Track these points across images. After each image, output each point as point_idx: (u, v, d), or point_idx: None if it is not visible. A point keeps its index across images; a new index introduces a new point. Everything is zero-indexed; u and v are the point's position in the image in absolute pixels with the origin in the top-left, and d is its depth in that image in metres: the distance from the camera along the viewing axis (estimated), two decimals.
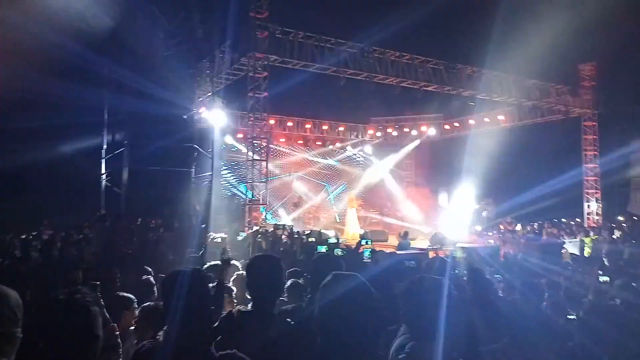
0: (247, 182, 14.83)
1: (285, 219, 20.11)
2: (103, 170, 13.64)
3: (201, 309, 2.29)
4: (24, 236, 9.44)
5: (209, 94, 16.36)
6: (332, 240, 10.46)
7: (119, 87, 13.21)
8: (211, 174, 14.10)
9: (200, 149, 15.04)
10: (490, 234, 19.40)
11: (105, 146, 13.72)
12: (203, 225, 11.03)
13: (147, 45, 13.35)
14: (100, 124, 13.47)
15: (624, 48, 18.15)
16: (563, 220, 19.13)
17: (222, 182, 20.77)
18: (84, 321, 1.70)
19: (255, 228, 13.17)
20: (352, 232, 17.05)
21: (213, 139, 15.60)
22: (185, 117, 15.19)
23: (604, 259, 12.69)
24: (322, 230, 15.11)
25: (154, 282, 4.29)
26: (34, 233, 10.11)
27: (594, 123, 19.71)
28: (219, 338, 2.24)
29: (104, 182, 13.48)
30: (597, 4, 17.32)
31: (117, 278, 4.45)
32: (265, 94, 14.24)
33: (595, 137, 19.78)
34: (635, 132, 21.49)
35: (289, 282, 4.13)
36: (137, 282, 4.34)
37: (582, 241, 14.78)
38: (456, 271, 7.55)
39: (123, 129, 14.01)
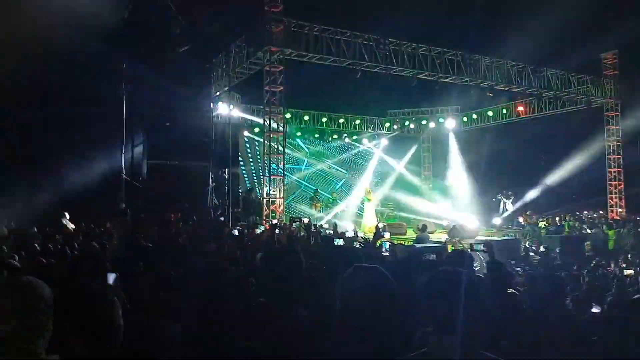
0: (263, 176, 14.86)
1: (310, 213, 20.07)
2: (123, 164, 13.80)
3: None
4: (46, 229, 9.61)
5: (226, 88, 16.43)
6: (350, 234, 10.42)
7: (137, 82, 13.35)
8: (229, 168, 14.19)
9: (218, 143, 15.17)
10: (510, 226, 19.18)
11: (124, 140, 13.87)
12: (222, 219, 11.12)
13: (164, 40, 13.44)
14: (120, 118, 13.60)
15: None
16: (585, 212, 18.80)
17: (240, 176, 20.91)
18: (104, 311, 1.72)
19: (274, 222, 13.22)
20: (369, 225, 16.99)
21: (230, 133, 15.70)
22: (204, 110, 15.32)
23: (628, 252, 12.47)
24: (339, 223, 15.09)
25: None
26: (54, 227, 10.29)
27: (616, 113, 19.26)
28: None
29: (124, 176, 13.65)
30: None
31: (140, 271, 4.50)
32: (281, 87, 14.24)
33: (618, 127, 19.33)
34: None
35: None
36: (156, 275, 4.38)
37: (605, 234, 14.50)
38: (476, 265, 7.48)
39: (141, 124, 14.17)
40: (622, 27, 17.96)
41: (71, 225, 10.90)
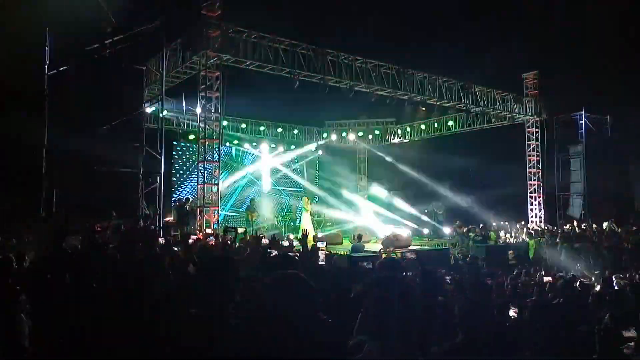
0: (198, 184, 14.48)
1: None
2: (43, 170, 12.91)
3: None
4: None
5: (159, 93, 15.87)
6: (286, 244, 10.36)
7: (61, 81, 12.56)
8: (161, 176, 13.67)
9: (149, 150, 14.57)
10: (440, 236, 19.92)
11: (46, 143, 12.99)
12: (152, 227, 10.67)
13: (92, 41, 12.79)
14: (41, 120, 12.71)
15: (564, 58, 19.20)
16: (507, 223, 19.89)
17: (172, 184, 20.25)
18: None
19: (208, 231, 12.89)
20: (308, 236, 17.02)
21: (162, 139, 15.15)
22: (134, 115, 14.65)
23: (546, 260, 13.29)
24: (275, 233, 14.97)
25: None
26: None
27: (536, 129, 20.63)
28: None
29: (45, 182, 12.77)
30: (540, 17, 18.25)
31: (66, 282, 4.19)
32: (217, 93, 14.01)
33: (537, 143, 20.71)
34: (574, 138, 22.75)
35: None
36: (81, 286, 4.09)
37: (526, 243, 15.40)
38: (409, 273, 7.65)
39: (66, 127, 13.30)
40: (542, 50, 19.41)
41: None
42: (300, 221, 19.21)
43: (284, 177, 23.89)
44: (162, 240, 9.39)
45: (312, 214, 19.36)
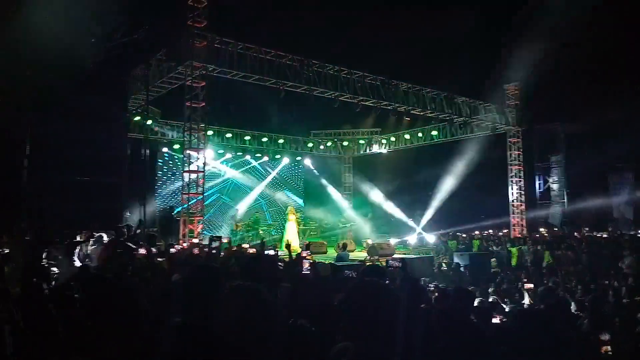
0: (183, 193, 14.41)
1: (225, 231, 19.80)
2: (23, 179, 12.73)
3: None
4: None
5: (144, 102, 15.83)
6: (271, 252, 10.35)
7: (41, 93, 12.42)
8: (145, 186, 13.59)
9: (134, 160, 14.52)
10: (424, 245, 20.07)
11: (28, 153, 12.81)
12: (135, 239, 10.55)
13: (75, 49, 12.70)
14: (23, 133, 12.57)
15: (545, 70, 19.61)
16: (490, 231, 20.14)
17: (156, 194, 20.11)
18: None
19: (195, 241, 12.82)
20: (292, 245, 17.02)
21: (147, 149, 15.09)
22: (119, 124, 14.58)
23: (528, 267, 13.47)
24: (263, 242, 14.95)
25: None
26: None
27: (518, 139, 20.99)
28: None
29: (25, 194, 12.60)
30: (523, 30, 18.66)
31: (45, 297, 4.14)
32: (203, 104, 14.01)
33: (519, 152, 21.05)
34: (554, 147, 23.23)
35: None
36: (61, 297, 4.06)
37: (509, 251, 15.59)
38: (391, 281, 7.71)
39: (48, 138, 13.16)
40: (523, 62, 19.81)
41: None
42: (285, 231, 19.21)
43: (268, 186, 23.90)
44: (142, 251, 9.30)
45: (297, 223, 19.39)
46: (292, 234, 18.17)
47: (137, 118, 16.49)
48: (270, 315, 1.84)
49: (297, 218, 19.54)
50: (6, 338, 1.59)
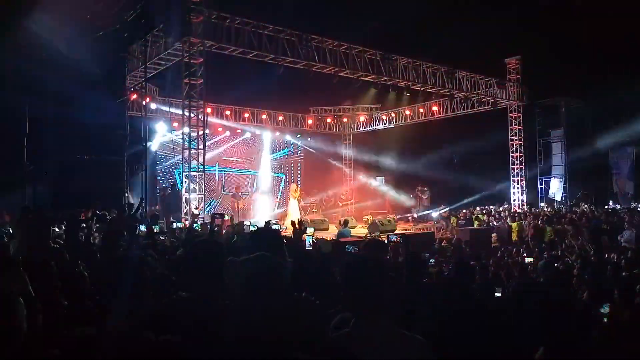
0: (184, 172, 14.41)
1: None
2: (25, 159, 12.73)
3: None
4: None
5: (142, 79, 15.69)
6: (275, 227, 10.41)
7: (43, 67, 12.30)
8: (145, 164, 13.57)
9: (133, 137, 14.47)
10: (425, 220, 20.16)
11: (27, 132, 12.76)
12: (138, 216, 10.61)
13: (73, 26, 12.55)
14: (21, 106, 12.46)
15: (546, 44, 19.39)
16: (491, 207, 20.20)
17: (157, 172, 20.12)
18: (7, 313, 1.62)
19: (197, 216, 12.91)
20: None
21: (147, 126, 15.03)
22: (117, 102, 14.48)
23: (528, 242, 13.56)
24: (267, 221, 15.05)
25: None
26: None
27: (519, 114, 20.87)
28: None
29: (29, 170, 12.61)
30: (522, 4, 18.37)
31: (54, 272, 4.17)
32: (201, 80, 13.89)
33: (520, 127, 20.96)
34: (555, 122, 23.12)
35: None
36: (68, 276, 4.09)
37: (509, 226, 15.67)
38: (393, 255, 7.78)
39: (47, 114, 13.09)
40: (524, 36, 19.56)
41: None
42: (289, 208, 19.33)
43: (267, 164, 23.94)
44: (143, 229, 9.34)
45: (299, 201, 19.48)
46: (294, 211, 18.28)
47: (134, 96, 16.38)
48: (280, 280, 1.87)
49: (300, 195, 19.62)
50: (20, 311, 1.64)
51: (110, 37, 13.93)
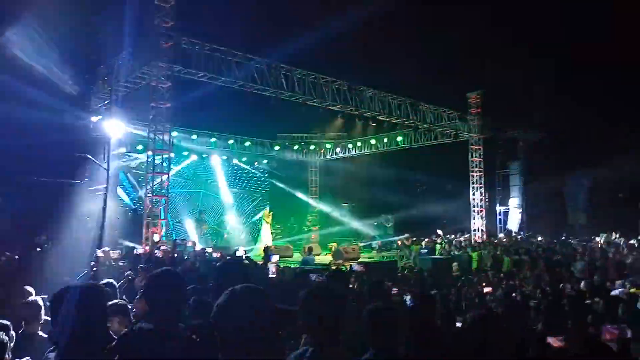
0: (147, 195, 14.11)
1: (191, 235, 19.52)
2: None
3: (96, 328, 2.19)
4: None
5: (107, 102, 15.44)
6: (240, 253, 10.32)
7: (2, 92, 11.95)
8: (106, 187, 13.23)
9: (94, 160, 14.10)
10: (389, 249, 20.36)
11: None
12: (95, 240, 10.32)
13: (32, 48, 12.31)
14: None
15: (506, 79, 20.30)
16: (452, 236, 20.59)
17: (117, 196, 19.61)
18: None
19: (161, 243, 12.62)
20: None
21: (109, 149, 14.71)
22: (82, 122, 14.16)
23: (487, 271, 13.84)
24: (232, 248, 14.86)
25: (40, 303, 3.91)
26: None
27: (479, 147, 21.59)
28: (117, 357, 2.14)
29: None
30: (484, 40, 19.24)
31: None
32: (168, 104, 13.80)
33: (480, 159, 21.66)
34: (513, 155, 24.02)
35: (191, 299, 4.00)
36: (19, 301, 3.92)
37: (469, 256, 15.98)
38: (354, 286, 7.82)
39: (7, 138, 12.65)
40: (485, 72, 20.45)
41: None
42: (259, 234, 19.24)
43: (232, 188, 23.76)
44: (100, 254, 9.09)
45: (271, 226, 19.44)
46: (266, 236, 18.25)
47: (98, 117, 16.04)
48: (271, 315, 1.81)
49: (269, 220, 19.54)
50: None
51: (73, 59, 13.72)
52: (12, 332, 3.17)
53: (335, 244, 19.04)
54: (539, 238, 19.65)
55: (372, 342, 2.66)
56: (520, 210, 23.47)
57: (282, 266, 9.69)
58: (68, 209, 13.23)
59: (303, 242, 20.14)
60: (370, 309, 2.74)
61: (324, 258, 16.60)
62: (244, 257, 10.06)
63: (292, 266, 12.00)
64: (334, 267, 11.46)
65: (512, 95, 21.22)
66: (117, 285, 4.97)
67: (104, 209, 12.85)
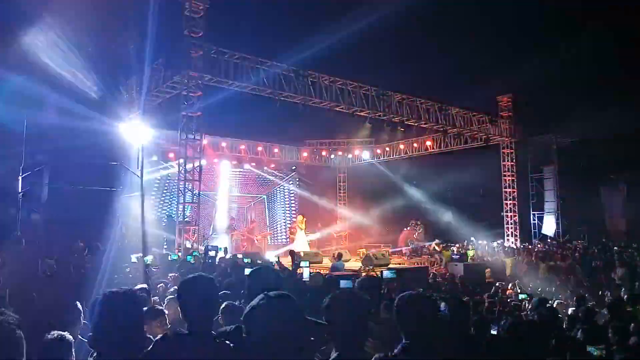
0: (178, 203, 14.39)
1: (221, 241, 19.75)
2: (20, 189, 12.68)
3: (133, 333, 2.23)
4: None
5: (139, 111, 15.84)
6: (273, 260, 10.39)
7: (38, 104, 12.41)
8: (140, 194, 13.53)
9: (128, 168, 14.46)
10: (419, 255, 20.11)
11: (22, 164, 12.77)
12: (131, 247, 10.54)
13: (70, 60, 12.74)
14: (19, 140, 12.53)
15: (537, 82, 19.87)
16: (485, 242, 20.20)
17: (151, 203, 20.04)
18: (9, 343, 1.62)
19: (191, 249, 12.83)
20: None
21: (142, 157, 15.06)
22: (122, 134, 14.58)
23: (522, 278, 13.52)
24: (262, 254, 15.02)
25: (80, 307, 4.02)
26: None
27: (511, 150, 21.16)
28: None
29: (20, 202, 12.54)
30: (514, 43, 18.91)
31: (33, 300, 4.16)
32: (199, 113, 14.06)
33: (512, 163, 21.22)
34: (546, 158, 23.40)
35: (223, 305, 4.04)
36: (59, 305, 4.05)
37: (503, 262, 15.66)
38: (385, 291, 7.73)
39: (43, 146, 13.12)
40: (516, 74, 20.06)
41: None
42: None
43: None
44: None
45: (306, 233, 19.56)
46: (301, 243, 18.34)
47: (132, 126, 16.44)
48: (303, 323, 1.81)
49: (306, 226, 19.70)
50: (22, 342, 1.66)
51: (108, 69, 14.13)
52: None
53: (364, 249, 18.95)
54: (576, 243, 19.06)
55: (406, 330, 2.48)
56: (556, 215, 22.82)
57: (312, 272, 9.69)
58: (104, 216, 13.58)
59: (332, 249, 20.09)
60: (406, 296, 2.61)
61: (354, 264, 16.53)
62: (274, 263, 10.11)
63: (321, 272, 12.00)
64: (363, 273, 11.41)
65: (543, 97, 20.74)
66: (150, 290, 5.07)
67: (142, 216, 13.12)
